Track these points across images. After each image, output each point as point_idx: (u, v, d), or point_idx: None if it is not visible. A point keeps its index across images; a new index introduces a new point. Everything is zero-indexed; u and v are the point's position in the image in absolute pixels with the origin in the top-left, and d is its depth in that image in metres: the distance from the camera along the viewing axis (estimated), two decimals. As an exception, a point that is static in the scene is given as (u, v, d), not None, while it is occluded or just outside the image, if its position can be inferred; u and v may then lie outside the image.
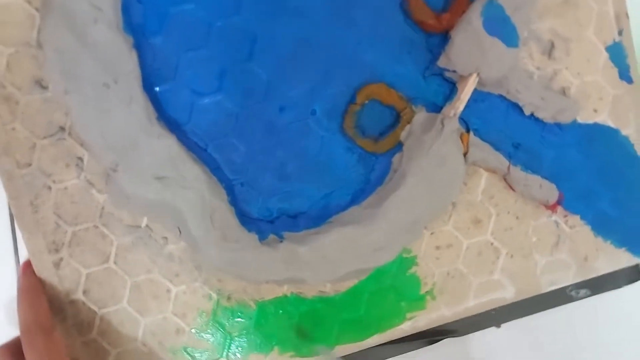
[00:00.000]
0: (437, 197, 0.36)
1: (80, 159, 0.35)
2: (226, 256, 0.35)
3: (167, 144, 0.33)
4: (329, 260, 0.35)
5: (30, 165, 0.34)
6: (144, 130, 0.33)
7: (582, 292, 0.41)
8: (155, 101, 0.34)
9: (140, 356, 0.37)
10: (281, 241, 0.36)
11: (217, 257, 0.34)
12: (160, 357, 0.37)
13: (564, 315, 0.41)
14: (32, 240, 0.35)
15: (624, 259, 0.40)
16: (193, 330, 0.37)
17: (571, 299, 0.41)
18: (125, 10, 0.33)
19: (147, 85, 0.34)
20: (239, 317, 0.37)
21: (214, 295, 0.37)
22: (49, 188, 0.35)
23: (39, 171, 0.35)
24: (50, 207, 0.35)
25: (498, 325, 0.41)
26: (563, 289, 0.41)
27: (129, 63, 0.32)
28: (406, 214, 0.36)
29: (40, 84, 0.34)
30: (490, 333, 0.41)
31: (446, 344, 0.40)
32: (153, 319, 0.37)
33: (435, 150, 0.35)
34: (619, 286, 0.41)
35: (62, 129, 0.34)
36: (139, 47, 0.33)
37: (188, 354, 0.37)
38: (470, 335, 0.41)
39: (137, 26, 0.34)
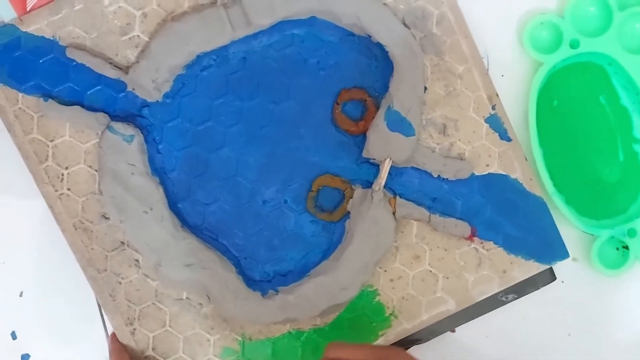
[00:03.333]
0: (377, 245, 0.51)
1: (137, 260, 0.52)
2: (240, 309, 0.51)
3: (189, 242, 0.51)
4: (310, 302, 0.51)
5: (105, 270, 0.52)
6: (172, 235, 0.50)
7: (510, 296, 0.55)
8: (178, 214, 0.52)
9: (196, 388, 0.54)
10: (276, 294, 0.52)
11: (234, 310, 0.51)
12: (211, 386, 0.54)
13: (499, 316, 0.55)
14: (114, 318, 0.53)
15: (534, 267, 0.54)
16: (229, 365, 0.54)
17: (503, 303, 0.55)
18: (151, 161, 0.51)
19: (172, 204, 0.51)
20: (259, 351, 0.54)
21: (239, 338, 0.53)
22: (120, 283, 0.52)
23: (112, 273, 0.52)
24: (122, 295, 0.53)
25: (453, 330, 0.56)
26: (494, 297, 0.55)
27: (157, 194, 0.50)
28: (358, 261, 0.51)
29: (104, 217, 0.52)
30: (447, 336, 0.55)
31: (414, 350, 0.55)
32: (201, 361, 0.54)
33: (370, 214, 0.51)
34: (537, 287, 0.55)
35: (122, 243, 0.52)
36: (163, 182, 0.51)
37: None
38: (432, 340, 0.55)
39: (160, 169, 0.51)
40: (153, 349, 0.53)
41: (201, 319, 0.53)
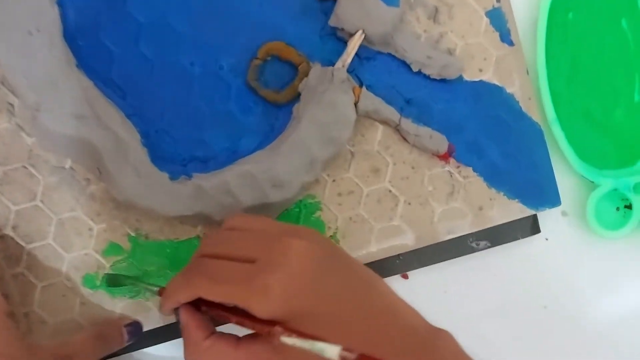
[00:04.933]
0: (330, 138, 0.40)
1: (12, 104, 0.40)
2: (138, 189, 0.39)
3: (85, 87, 0.38)
4: (232, 195, 0.39)
5: (-32, 110, 0.39)
6: (64, 73, 0.38)
7: (482, 243, 0.44)
8: (78, 52, 0.39)
9: (63, 290, 0.40)
10: (189, 179, 0.40)
11: (130, 189, 0.38)
12: (82, 292, 0.41)
13: (464, 266, 0.44)
14: (-33, 178, 0.40)
15: (516, 209, 0.43)
16: (111, 267, 0.41)
17: (472, 250, 0.44)
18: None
19: (70, 38, 0.39)
20: (154, 255, 0.41)
21: (132, 233, 0.41)
22: (-16, 131, 0.40)
23: (-24, 116, 0.39)
24: (-16, 148, 0.40)
25: (405, 276, 0.44)
26: (464, 240, 0.44)
27: (50, 14, 0.38)
28: (302, 153, 0.39)
29: (-19, 40, 0.39)
30: (396, 281, 0.44)
31: (353, 289, 0.43)
32: (76, 255, 0.40)
33: (327, 97, 0.40)
34: (516, 238, 0.44)
35: (-2, 79, 0.40)
36: (63, 3, 0.39)
37: (107, 289, 0.41)
38: (376, 282, 0.43)
39: (62, -14, 0.39)
40: (13, 228, 0.40)
41: (85, 199, 0.40)
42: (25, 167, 0.40)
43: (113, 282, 0.40)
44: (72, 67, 0.38)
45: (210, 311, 0.32)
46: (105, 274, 0.40)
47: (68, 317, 0.40)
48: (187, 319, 0.32)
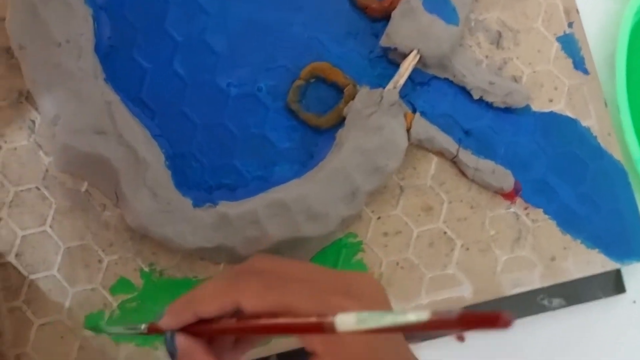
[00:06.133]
0: (375, 167, 0.35)
1: (33, 122, 0.37)
2: (153, 215, 0.34)
3: (109, 101, 0.35)
4: (259, 226, 0.34)
5: (-14, 125, 0.36)
6: (88, 85, 0.34)
7: (556, 301, 0.37)
8: (108, 68, 0.36)
9: (62, 331, 0.35)
10: (214, 207, 0.35)
11: (144, 214, 0.34)
12: (82, 335, 0.35)
13: (533, 327, 0.37)
14: (-25, 197, 0.36)
15: (597, 262, 0.36)
16: (119, 306, 0.35)
17: (543, 309, 0.37)
18: (88, -15, 0.37)
19: (101, 53, 0.36)
20: (167, 295, 0.36)
21: (145, 269, 0.36)
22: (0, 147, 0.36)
23: (-8, 131, 0.36)
24: (-3, 165, 0.36)
25: (461, 338, 0.37)
26: (533, 296, 0.37)
27: (82, 27, 0.35)
28: (342, 183, 0.34)
29: (8, 52, 0.37)
30: (451, 344, 0.37)
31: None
32: (81, 289, 0.35)
33: (374, 121, 0.35)
34: (597, 297, 0.37)
35: (21, 93, 0.37)
36: (96, 15, 0.36)
37: (109, 333, 0.35)
38: (427, 343, 0.36)
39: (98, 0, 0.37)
40: (16, 256, 0.36)
41: (98, 226, 0.36)
42: (38, 189, 0.36)
43: (94, 330, 0.34)
44: (99, 80, 0.35)
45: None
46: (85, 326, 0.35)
47: (65, 362, 0.35)
48: (190, 345, 0.26)
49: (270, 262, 0.27)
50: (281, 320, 0.24)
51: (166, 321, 0.27)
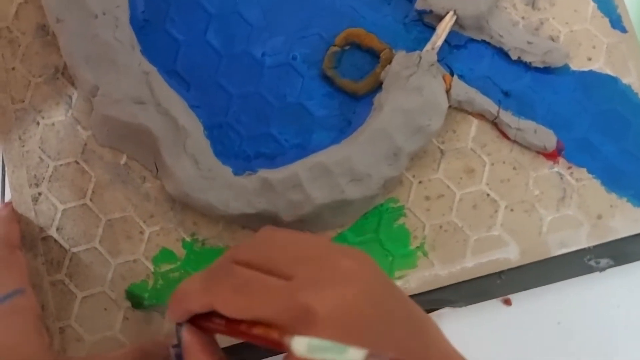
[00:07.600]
0: (416, 127, 0.34)
1: (70, 97, 0.37)
2: (196, 182, 0.34)
3: (146, 71, 0.35)
4: (302, 190, 0.34)
5: (23, 101, 0.37)
6: (125, 55, 0.35)
7: (603, 261, 0.36)
8: (142, 40, 0.36)
9: (106, 302, 0.35)
10: (254, 174, 0.34)
11: (187, 182, 0.34)
12: (126, 305, 0.35)
13: (578, 288, 0.36)
14: (15, 172, 0.36)
15: (645, 219, 0.36)
16: (162, 276, 0.35)
17: (591, 269, 0.36)
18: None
19: (136, 25, 0.36)
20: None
21: (187, 239, 0.35)
22: (37, 123, 0.36)
23: (31, 107, 0.36)
24: (36, 141, 0.36)
25: (508, 302, 0.36)
26: (580, 257, 0.36)
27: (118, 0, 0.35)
28: (384, 144, 0.34)
29: (43, 29, 0.37)
30: (497, 308, 0.36)
31: (444, 315, 0.36)
32: (124, 261, 0.35)
33: (413, 82, 0.35)
34: (646, 256, 0.36)
35: (57, 70, 0.37)
36: (132, -9, 0.37)
37: (152, 305, 0.35)
38: (473, 307, 0.36)
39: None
40: (57, 230, 0.36)
41: (139, 198, 0.36)
42: (77, 163, 0.36)
43: (134, 301, 0.34)
44: (135, 50, 0.35)
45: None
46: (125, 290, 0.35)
47: (108, 334, 0.34)
48: (190, 339, 0.25)
49: (251, 252, 0.26)
50: (254, 331, 0.24)
51: (168, 314, 0.27)
